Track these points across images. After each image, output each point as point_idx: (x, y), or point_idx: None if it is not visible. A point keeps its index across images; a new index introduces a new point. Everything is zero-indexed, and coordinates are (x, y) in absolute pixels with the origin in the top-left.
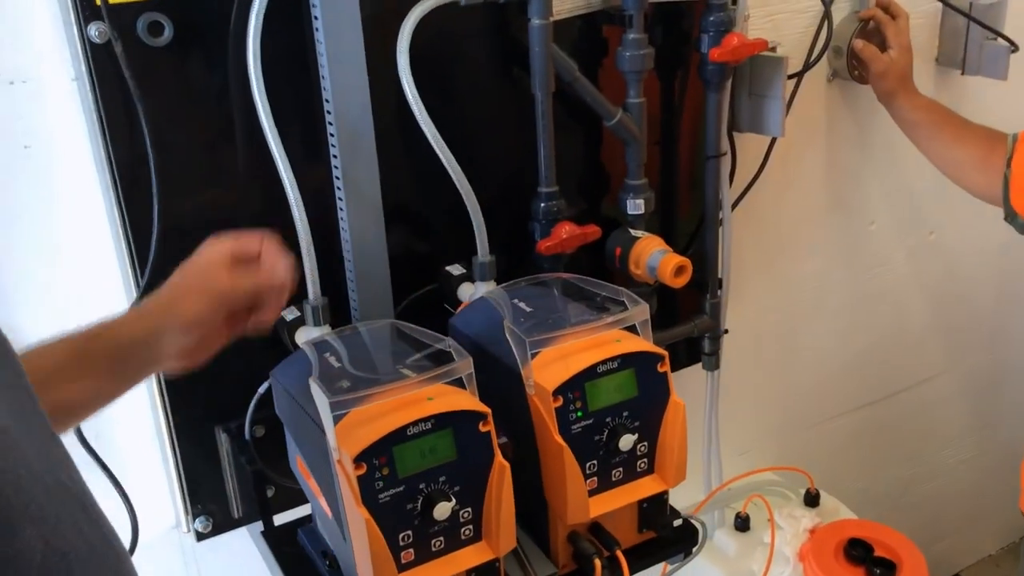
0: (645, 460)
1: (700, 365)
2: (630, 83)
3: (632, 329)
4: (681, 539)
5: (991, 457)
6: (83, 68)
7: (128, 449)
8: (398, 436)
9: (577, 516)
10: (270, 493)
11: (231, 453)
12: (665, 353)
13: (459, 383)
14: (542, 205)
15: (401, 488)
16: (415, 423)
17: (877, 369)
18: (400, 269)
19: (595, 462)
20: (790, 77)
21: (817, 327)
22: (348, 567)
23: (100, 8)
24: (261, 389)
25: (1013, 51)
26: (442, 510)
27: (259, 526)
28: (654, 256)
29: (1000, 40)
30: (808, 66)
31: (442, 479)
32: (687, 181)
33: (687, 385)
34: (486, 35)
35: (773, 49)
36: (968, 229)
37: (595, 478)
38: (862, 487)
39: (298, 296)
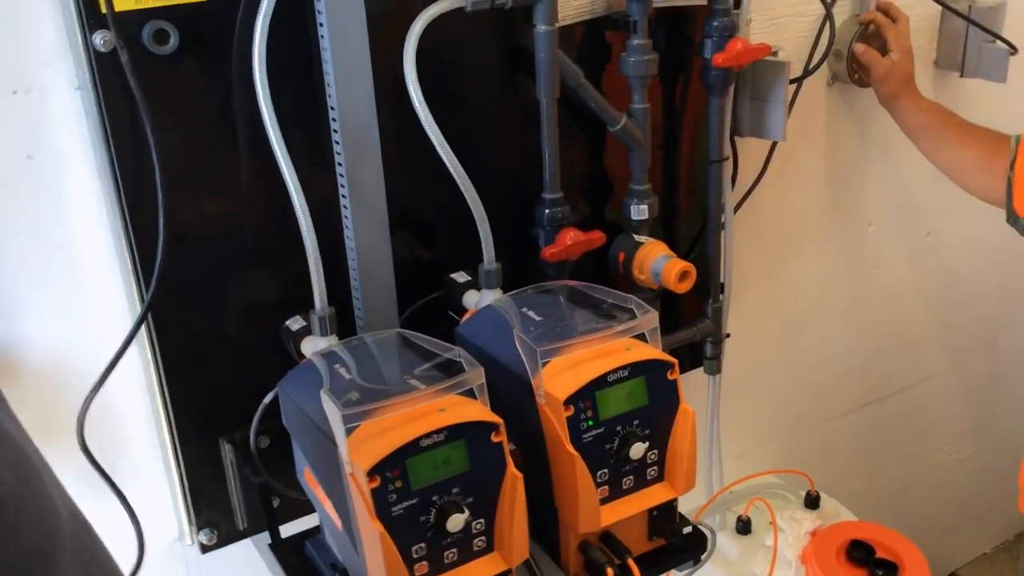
0: (655, 468)
1: (701, 369)
2: (634, 88)
3: (641, 337)
4: (690, 546)
5: (987, 456)
6: (87, 77)
7: (129, 463)
8: (411, 448)
9: (589, 525)
10: (275, 504)
11: (236, 464)
12: (675, 361)
13: (469, 393)
14: (546, 211)
15: (415, 500)
16: (428, 435)
17: (874, 371)
18: (403, 277)
19: (606, 471)
20: (791, 81)
21: (816, 329)
22: None
23: (105, 17)
24: (266, 400)
25: (1012, 54)
26: (455, 522)
27: (265, 538)
28: (658, 261)
29: (999, 43)
30: (810, 71)
31: (455, 490)
32: (688, 186)
33: (689, 389)
34: (489, 41)
35: (775, 54)
36: (965, 230)
37: (606, 487)
38: (859, 488)
39: (304, 306)
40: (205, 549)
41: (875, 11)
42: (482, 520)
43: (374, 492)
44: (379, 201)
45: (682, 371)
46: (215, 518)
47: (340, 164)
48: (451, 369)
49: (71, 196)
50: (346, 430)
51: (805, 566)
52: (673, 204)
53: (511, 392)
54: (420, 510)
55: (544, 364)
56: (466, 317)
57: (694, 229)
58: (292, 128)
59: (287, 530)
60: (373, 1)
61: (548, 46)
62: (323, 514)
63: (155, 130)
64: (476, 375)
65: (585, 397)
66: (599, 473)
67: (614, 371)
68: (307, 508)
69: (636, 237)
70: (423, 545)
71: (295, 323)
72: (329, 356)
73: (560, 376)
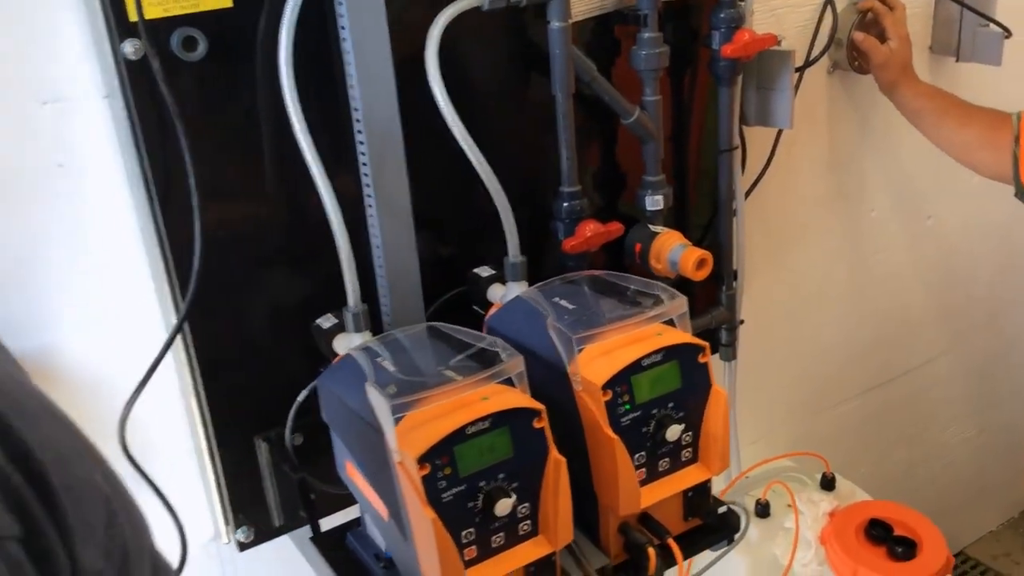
0: (689, 450)
1: (717, 356)
2: (646, 81)
3: (669, 322)
4: (725, 525)
5: (990, 435)
6: (116, 85)
7: (162, 465)
8: (458, 436)
9: (629, 507)
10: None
11: (271, 462)
12: (706, 344)
13: (508, 382)
14: (565, 204)
15: (463, 487)
16: (474, 422)
17: (879, 354)
18: (426, 273)
19: (643, 453)
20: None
21: (822, 314)
22: (408, 568)
23: (134, 25)
24: (300, 397)
25: (1006, 37)
26: (503, 506)
27: (301, 534)
28: (675, 251)
29: (993, 26)
30: (814, 59)
31: (501, 476)
32: (696, 175)
33: None
34: (499, 38)
35: (779, 43)
36: (964, 213)
37: (643, 469)
38: (867, 471)
39: (330, 305)
40: (243, 547)
41: None
42: (527, 504)
43: (424, 479)
44: (404, 200)
45: None
46: (251, 516)
47: (365, 164)
48: (486, 358)
49: (102, 203)
50: (394, 420)
51: (825, 546)
52: (683, 194)
53: (545, 380)
54: (468, 496)
55: (579, 351)
56: (493, 310)
57: (704, 218)
58: (315, 129)
59: (323, 524)
60: (389, 2)
61: (562, 42)
62: (366, 506)
63: (187, 135)
64: (515, 363)
65: (622, 382)
66: (637, 456)
67: (648, 356)
68: (341, 503)
69: (652, 227)
70: (472, 530)
71: (326, 321)
72: (368, 351)
73: (596, 362)
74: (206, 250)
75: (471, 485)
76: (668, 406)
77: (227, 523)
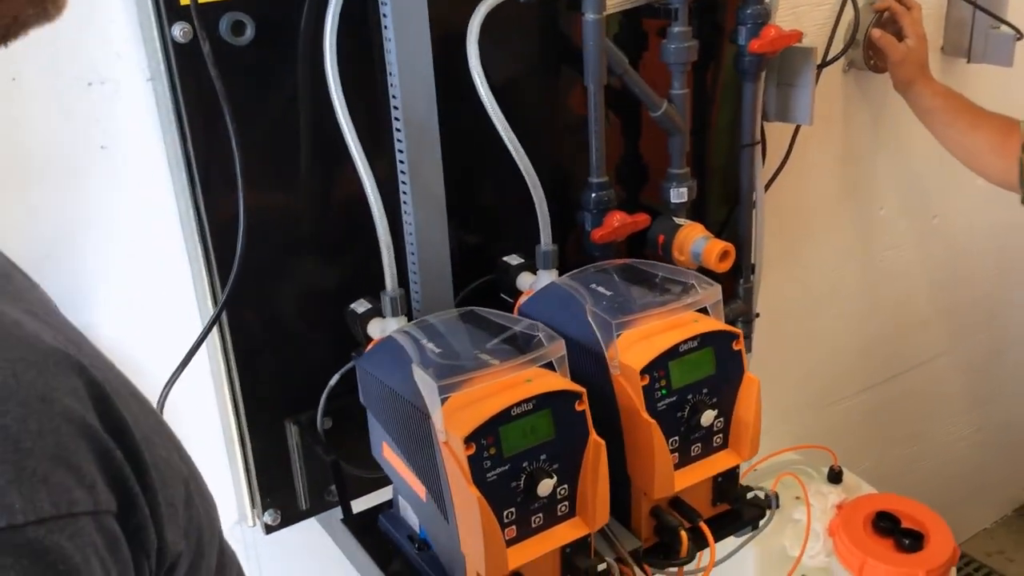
0: (720, 435)
1: None
2: (675, 75)
3: (703, 311)
4: (752, 511)
5: (987, 433)
6: (162, 68)
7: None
8: (503, 417)
9: (663, 491)
10: None
11: (300, 445)
12: (740, 332)
13: (549, 366)
14: (593, 195)
15: (507, 467)
16: (519, 404)
17: (884, 351)
18: (454, 261)
19: (676, 438)
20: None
21: (832, 310)
22: (446, 549)
23: (184, 8)
24: (332, 381)
25: (1018, 38)
26: (545, 487)
27: (329, 516)
28: (698, 242)
29: (1005, 28)
30: (835, 57)
31: (543, 457)
32: (716, 170)
33: None
34: (531, 31)
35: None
36: (969, 213)
37: (676, 454)
38: (870, 466)
39: (362, 290)
40: (269, 530)
41: None
42: (566, 486)
43: (470, 459)
44: (438, 188)
45: None
46: (278, 499)
47: (401, 152)
48: (525, 342)
49: (141, 186)
50: (440, 401)
51: (833, 538)
52: (702, 188)
53: (581, 364)
54: (512, 476)
55: (617, 336)
56: (524, 297)
57: (722, 212)
58: (352, 117)
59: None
60: None
61: (596, 34)
62: (403, 487)
63: (234, 120)
64: (557, 347)
65: (659, 367)
66: (671, 440)
67: (685, 342)
68: (368, 487)
69: (675, 219)
70: (512, 510)
71: (360, 306)
72: (408, 334)
73: (634, 348)
74: (251, 233)
75: (514, 465)
76: (703, 392)
77: (253, 506)
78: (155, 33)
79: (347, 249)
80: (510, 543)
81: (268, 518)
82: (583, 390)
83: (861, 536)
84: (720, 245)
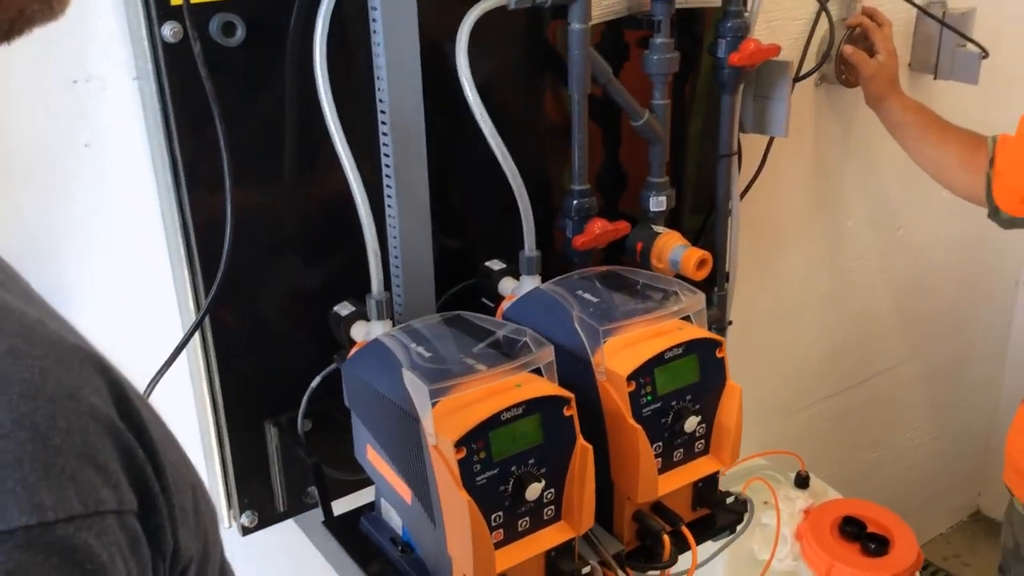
0: (702, 441)
1: None
2: (656, 85)
3: (686, 319)
4: (732, 515)
5: (945, 441)
6: (149, 68)
7: None
8: (494, 421)
9: (647, 495)
10: None
11: (280, 447)
12: (723, 340)
13: (537, 371)
14: (575, 202)
15: (496, 471)
16: (508, 408)
17: (849, 358)
18: (436, 266)
19: (660, 444)
20: None
21: (802, 320)
22: (431, 552)
23: (175, 8)
24: (314, 382)
25: (983, 57)
26: (533, 491)
27: (308, 519)
28: (676, 250)
29: (971, 46)
30: (809, 72)
31: (531, 461)
32: (692, 180)
33: None
34: (516, 39)
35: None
36: (934, 226)
37: (659, 459)
38: (834, 471)
39: (345, 293)
40: (246, 531)
41: (861, 15)
42: (552, 490)
43: (460, 463)
44: (423, 193)
45: None
46: (256, 501)
47: (387, 155)
48: (509, 346)
49: (125, 185)
50: (431, 404)
51: (801, 542)
52: (678, 196)
53: (566, 370)
54: (500, 480)
55: (603, 343)
56: (507, 302)
57: (697, 221)
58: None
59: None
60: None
61: (582, 43)
62: (386, 490)
63: (223, 121)
64: (546, 353)
65: (645, 373)
66: (655, 445)
67: (670, 349)
68: (348, 488)
69: (654, 227)
70: (500, 514)
71: (344, 308)
72: (395, 337)
73: (620, 354)
74: (237, 234)
75: (503, 469)
76: (686, 398)
77: (230, 507)
78: (144, 32)
79: (330, 252)
80: (497, 546)
81: (245, 519)
82: (571, 396)
83: (828, 540)
84: (698, 253)
